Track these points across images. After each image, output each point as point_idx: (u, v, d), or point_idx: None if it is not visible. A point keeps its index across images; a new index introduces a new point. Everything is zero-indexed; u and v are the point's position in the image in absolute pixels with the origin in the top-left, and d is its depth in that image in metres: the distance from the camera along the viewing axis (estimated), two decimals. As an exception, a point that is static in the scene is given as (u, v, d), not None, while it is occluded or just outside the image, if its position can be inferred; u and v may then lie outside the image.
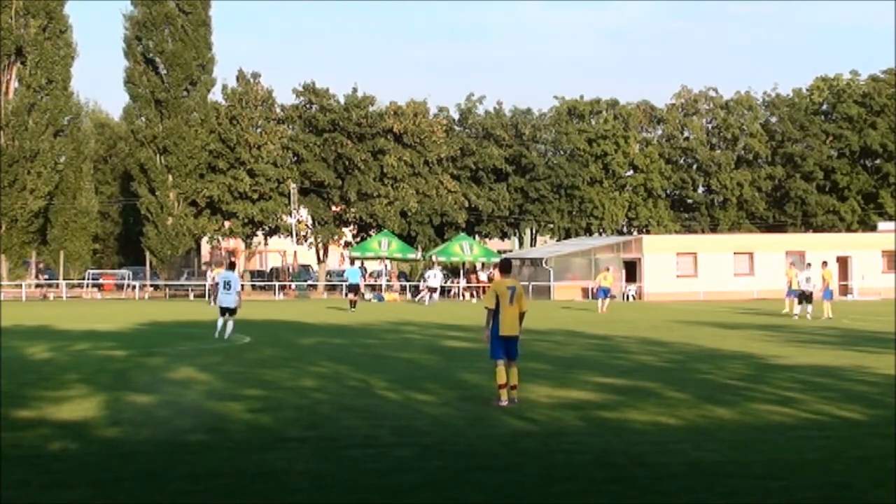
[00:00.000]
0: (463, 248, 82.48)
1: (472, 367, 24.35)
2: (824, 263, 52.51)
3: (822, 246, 78.11)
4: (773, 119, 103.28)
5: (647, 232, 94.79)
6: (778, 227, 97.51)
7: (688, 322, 45.12)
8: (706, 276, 78.01)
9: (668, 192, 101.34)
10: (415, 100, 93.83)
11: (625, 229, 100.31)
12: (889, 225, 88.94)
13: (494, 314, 18.66)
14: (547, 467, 12.91)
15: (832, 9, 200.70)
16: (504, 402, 18.23)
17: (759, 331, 39.22)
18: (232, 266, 40.36)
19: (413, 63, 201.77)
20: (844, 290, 73.99)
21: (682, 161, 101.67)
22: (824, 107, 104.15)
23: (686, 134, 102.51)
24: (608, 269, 63.37)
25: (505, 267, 20.20)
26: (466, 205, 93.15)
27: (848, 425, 16.49)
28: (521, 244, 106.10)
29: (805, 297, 49.08)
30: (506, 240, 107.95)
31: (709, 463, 13.20)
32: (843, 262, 76.20)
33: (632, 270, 78.71)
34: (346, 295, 62.23)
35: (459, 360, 27.02)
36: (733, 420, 16.72)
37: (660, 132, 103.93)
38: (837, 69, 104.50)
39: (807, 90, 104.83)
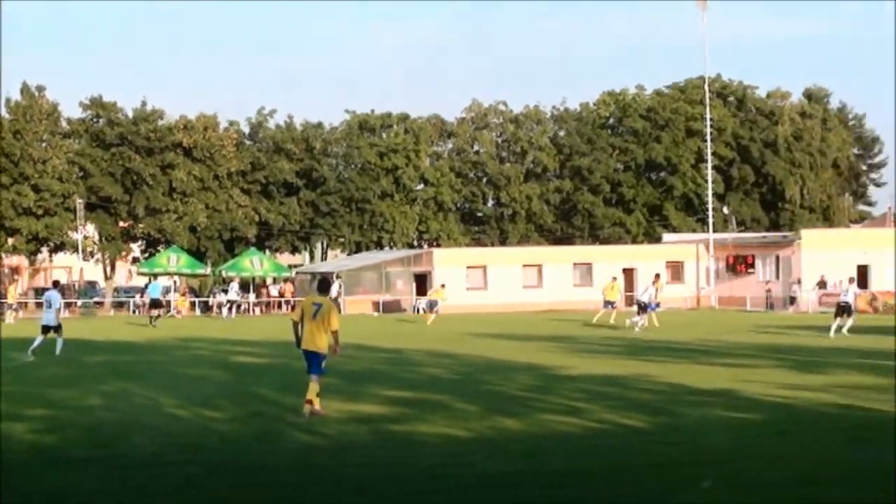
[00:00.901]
0: (253, 263, 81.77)
1: (261, 383, 24.25)
2: (657, 277, 53.94)
3: (608, 258, 79.80)
4: (562, 133, 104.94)
5: (438, 245, 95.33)
6: (566, 240, 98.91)
7: (477, 334, 45.51)
8: (496, 289, 78.90)
9: (458, 205, 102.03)
10: (205, 114, 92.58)
11: (415, 243, 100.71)
12: (673, 237, 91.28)
13: (302, 328, 18.94)
14: (337, 482, 12.91)
15: (621, 23, 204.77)
16: (306, 415, 18.38)
17: (547, 342, 39.72)
18: (56, 285, 39.73)
19: (203, 77, 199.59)
20: (630, 300, 75.32)
21: (472, 174, 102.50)
22: (611, 121, 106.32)
23: (476, 147, 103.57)
24: (443, 286, 66.49)
25: (320, 285, 20.43)
26: (257, 219, 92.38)
27: (633, 433, 16.83)
28: (311, 258, 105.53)
29: (641, 308, 50.63)
30: (297, 254, 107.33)
31: (499, 473, 13.33)
32: (629, 274, 77.64)
33: (422, 283, 79.08)
34: (147, 310, 61.50)
35: (249, 375, 26.87)
36: (522, 431, 16.92)
37: (450, 146, 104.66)
38: (623, 83, 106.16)
39: (594, 104, 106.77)
